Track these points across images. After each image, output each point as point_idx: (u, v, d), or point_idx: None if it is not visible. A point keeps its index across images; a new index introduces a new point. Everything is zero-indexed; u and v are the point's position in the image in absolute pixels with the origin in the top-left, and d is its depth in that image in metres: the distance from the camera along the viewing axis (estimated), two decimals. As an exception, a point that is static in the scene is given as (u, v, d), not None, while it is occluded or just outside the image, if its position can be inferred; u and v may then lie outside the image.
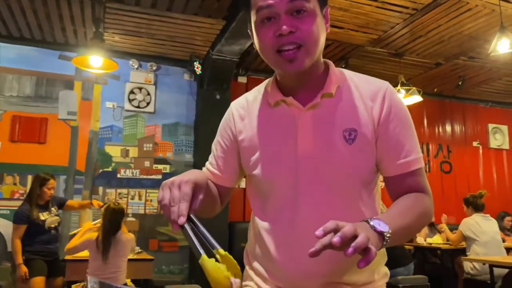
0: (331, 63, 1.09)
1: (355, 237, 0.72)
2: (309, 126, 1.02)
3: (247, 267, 1.16)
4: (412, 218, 0.95)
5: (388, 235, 0.81)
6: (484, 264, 4.28)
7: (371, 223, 0.82)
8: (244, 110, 1.13)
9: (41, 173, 4.07)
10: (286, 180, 1.03)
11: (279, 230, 1.04)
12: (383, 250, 1.12)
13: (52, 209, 4.03)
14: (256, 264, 1.12)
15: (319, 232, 0.73)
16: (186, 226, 0.80)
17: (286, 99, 1.04)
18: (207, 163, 1.18)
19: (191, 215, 0.83)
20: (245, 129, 1.10)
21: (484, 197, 4.88)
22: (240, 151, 1.11)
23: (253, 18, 1.00)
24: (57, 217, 4.00)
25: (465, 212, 4.96)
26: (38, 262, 3.77)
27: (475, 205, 4.84)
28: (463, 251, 4.87)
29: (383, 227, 0.82)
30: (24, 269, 3.68)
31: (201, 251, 0.77)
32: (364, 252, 0.73)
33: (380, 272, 1.11)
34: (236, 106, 1.15)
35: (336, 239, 0.71)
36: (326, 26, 1.03)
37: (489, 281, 4.08)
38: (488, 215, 4.87)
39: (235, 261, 0.78)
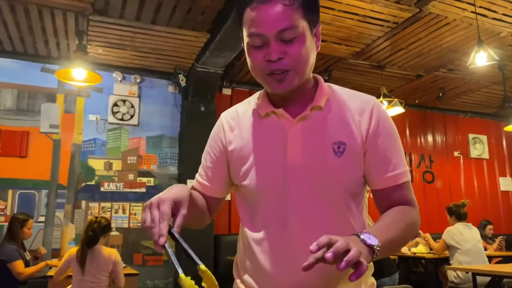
0: (320, 78, 1.12)
1: (347, 251, 0.74)
2: (298, 138, 1.04)
3: (237, 280, 1.16)
4: (399, 231, 0.97)
5: (377, 248, 0.83)
6: (467, 272, 4.34)
7: (362, 236, 0.83)
8: (234, 121, 1.14)
9: (18, 214, 4.10)
10: (275, 191, 1.04)
11: (269, 241, 1.05)
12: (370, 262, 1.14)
13: (27, 252, 4.11)
14: (246, 277, 1.12)
15: (313, 247, 0.75)
16: (167, 245, 0.82)
17: (276, 110, 1.06)
18: (197, 174, 1.19)
19: (174, 232, 0.85)
20: (235, 139, 1.11)
21: (466, 207, 4.97)
22: (230, 161, 1.12)
23: (245, 38, 1.02)
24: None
25: (448, 220, 5.03)
26: None
27: (458, 214, 4.92)
28: (446, 260, 4.93)
29: (373, 240, 0.84)
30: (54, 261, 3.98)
31: (179, 270, 0.80)
32: (356, 266, 0.74)
33: (367, 283, 1.12)
34: (226, 117, 1.16)
35: (329, 254, 0.73)
36: (317, 44, 1.05)
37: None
38: (470, 224, 4.95)
39: (213, 277, 0.82)
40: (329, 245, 0.74)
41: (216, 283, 0.83)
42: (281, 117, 1.06)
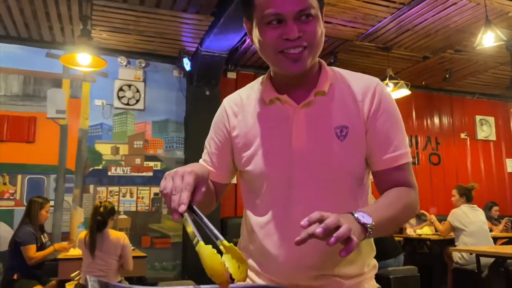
0: (323, 62, 1.12)
1: (338, 227, 0.76)
2: (303, 124, 1.05)
3: None
4: (396, 211, 0.98)
5: (371, 227, 0.85)
6: (471, 254, 4.36)
7: (356, 215, 0.85)
8: (238, 107, 1.14)
9: (36, 197, 4.17)
10: (280, 176, 1.05)
11: (272, 225, 1.07)
12: (372, 244, 1.15)
13: (45, 234, 4.20)
14: (249, 260, 1.14)
15: (304, 222, 0.77)
16: (186, 215, 0.80)
17: (280, 97, 1.07)
18: (200, 160, 1.19)
19: (194, 206, 0.84)
20: (239, 125, 1.12)
21: (474, 190, 4.99)
22: (234, 147, 1.13)
23: (256, 17, 1.01)
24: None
25: (454, 200, 5.02)
26: (31, 282, 3.79)
27: (468, 196, 4.93)
28: (452, 242, 4.95)
29: (366, 219, 0.85)
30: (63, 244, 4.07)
31: (199, 238, 0.77)
32: (346, 242, 0.76)
33: (369, 264, 1.13)
34: (230, 102, 1.17)
35: (319, 229, 0.74)
36: (323, 26, 1.05)
37: (476, 270, 4.17)
38: (475, 205, 4.96)
39: (240, 252, 0.78)
40: (320, 221, 0.76)
41: (244, 258, 0.79)
42: (285, 104, 1.07)
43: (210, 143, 1.17)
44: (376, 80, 1.09)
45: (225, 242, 0.78)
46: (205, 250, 0.75)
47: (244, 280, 0.77)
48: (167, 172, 0.88)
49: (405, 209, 1.02)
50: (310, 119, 1.05)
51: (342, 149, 1.03)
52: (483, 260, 4.05)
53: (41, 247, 3.94)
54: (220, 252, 0.77)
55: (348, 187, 1.06)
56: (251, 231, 1.12)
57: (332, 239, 0.74)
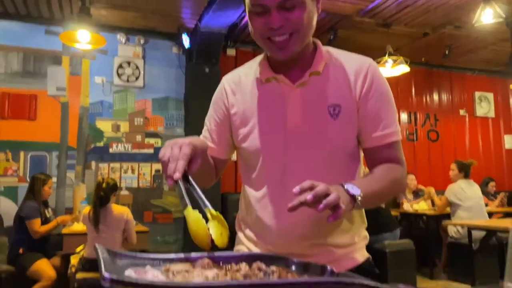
0: (319, 42, 1.16)
1: (327, 195, 0.82)
2: (297, 103, 1.10)
3: (239, 234, 1.25)
4: (384, 185, 1.05)
5: (359, 198, 0.91)
6: (462, 227, 4.47)
7: (345, 186, 0.92)
8: (236, 85, 1.19)
9: (38, 174, 4.25)
10: (275, 152, 1.11)
11: (268, 199, 1.13)
12: (363, 216, 1.22)
13: (49, 209, 4.29)
14: (247, 231, 1.21)
15: (296, 189, 0.83)
16: (180, 182, 0.85)
17: (277, 76, 1.11)
18: (200, 136, 1.23)
19: (189, 177, 0.89)
20: (237, 103, 1.17)
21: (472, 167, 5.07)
22: (232, 124, 1.18)
23: (246, 4, 1.05)
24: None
25: (452, 175, 5.10)
26: (36, 254, 3.89)
27: (466, 172, 5.01)
28: (447, 217, 5.06)
29: (355, 190, 0.92)
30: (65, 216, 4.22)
31: (188, 203, 0.83)
32: (334, 210, 0.83)
33: (360, 235, 1.20)
34: (228, 81, 1.21)
35: (309, 196, 0.81)
36: (318, 7, 1.08)
37: (477, 244, 4.27)
38: (472, 180, 5.04)
39: (226, 222, 0.83)
40: (311, 189, 0.82)
41: (227, 227, 0.84)
42: (281, 83, 1.11)
43: (210, 120, 1.22)
44: (369, 60, 1.13)
45: (212, 210, 0.84)
46: (191, 215, 0.81)
47: (225, 246, 0.83)
48: (168, 141, 0.94)
49: (393, 184, 1.08)
50: (305, 98, 1.09)
51: (335, 127, 1.08)
52: (477, 234, 4.15)
53: (45, 221, 4.04)
54: (206, 220, 0.83)
55: (341, 162, 1.11)
56: (248, 205, 1.18)
57: (321, 206, 0.81)
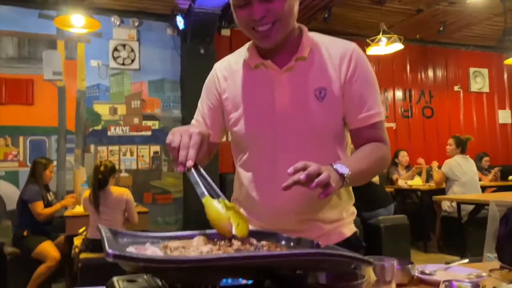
0: (304, 28, 1.21)
1: (319, 174, 0.89)
2: (285, 87, 1.16)
3: None
4: (370, 163, 1.12)
5: (347, 176, 0.99)
6: (452, 201, 4.58)
7: (334, 166, 0.99)
8: (227, 71, 1.25)
9: (39, 158, 4.31)
10: (265, 135, 1.17)
11: (260, 180, 1.20)
12: (351, 192, 1.29)
13: (51, 192, 4.37)
14: (241, 210, 1.28)
15: (290, 170, 0.90)
16: (193, 171, 0.90)
17: (265, 62, 1.17)
18: (193, 121, 1.30)
19: (198, 165, 0.94)
20: (229, 88, 1.23)
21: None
22: (224, 109, 1.25)
23: None
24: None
25: (449, 149, 5.17)
26: (40, 237, 3.99)
27: (463, 148, 5.09)
28: (441, 192, 5.16)
29: (344, 169, 0.99)
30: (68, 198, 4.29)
31: (205, 192, 0.88)
32: (325, 187, 0.90)
33: (348, 211, 1.28)
34: (220, 67, 1.28)
35: (302, 176, 0.88)
36: None
37: (458, 217, 4.40)
38: (468, 156, 5.12)
39: (239, 210, 0.88)
40: (304, 169, 0.89)
41: (245, 217, 0.87)
42: (269, 68, 1.17)
43: (203, 104, 1.28)
44: (352, 45, 1.19)
45: (227, 201, 0.88)
46: (211, 204, 0.86)
47: (246, 236, 0.87)
48: (175, 128, 0.99)
49: (378, 161, 1.16)
50: (292, 82, 1.16)
51: (321, 108, 1.14)
52: (469, 208, 4.26)
53: (47, 205, 4.13)
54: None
55: (328, 143, 1.18)
56: (241, 185, 1.26)
57: (313, 184, 0.88)
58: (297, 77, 1.16)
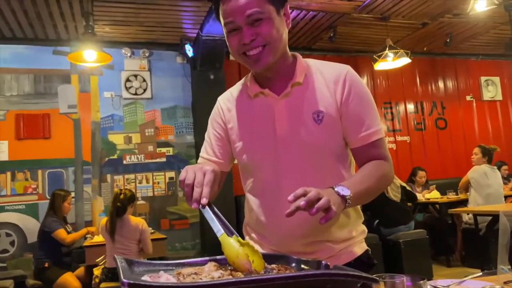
0: (298, 55, 1.27)
1: (319, 200, 0.92)
2: (284, 112, 1.20)
3: (246, 237, 1.36)
4: (372, 182, 1.14)
5: (349, 198, 1.01)
6: (468, 214, 4.48)
7: (336, 189, 1.01)
8: (230, 103, 1.31)
9: (58, 190, 4.44)
10: (268, 161, 1.21)
11: (266, 204, 1.24)
12: (359, 211, 1.31)
13: (68, 224, 4.48)
14: (252, 234, 1.32)
15: (290, 197, 0.93)
16: (208, 208, 0.94)
17: (263, 91, 1.23)
18: (202, 154, 1.33)
19: (211, 203, 0.97)
20: (232, 119, 1.29)
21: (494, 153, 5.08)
22: (229, 138, 1.29)
23: (223, 27, 1.18)
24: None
25: (475, 159, 5.08)
26: (61, 268, 4.07)
27: (490, 157, 5.01)
28: (459, 204, 5.08)
29: (345, 191, 1.01)
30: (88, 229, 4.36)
31: (222, 229, 0.91)
32: (327, 212, 0.92)
33: (358, 229, 1.29)
34: (223, 99, 1.34)
35: (302, 203, 0.90)
36: (287, 22, 1.20)
37: (483, 229, 4.31)
38: (495, 167, 5.03)
39: (253, 246, 0.90)
40: (304, 195, 0.92)
41: (260, 254, 0.89)
42: (267, 96, 1.22)
43: (211, 137, 1.33)
44: (346, 68, 1.23)
45: (240, 238, 0.91)
46: (228, 241, 0.89)
47: (263, 270, 0.89)
48: (188, 166, 1.02)
49: (380, 179, 1.18)
50: (290, 108, 1.20)
51: (320, 131, 1.18)
52: (488, 218, 4.18)
53: None
54: None
55: (330, 163, 1.21)
56: (251, 209, 1.29)
57: (313, 210, 0.90)
58: (295, 102, 1.20)
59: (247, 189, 1.31)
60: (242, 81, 1.33)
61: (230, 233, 0.93)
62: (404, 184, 4.71)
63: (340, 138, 1.21)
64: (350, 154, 1.27)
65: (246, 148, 1.24)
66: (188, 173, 0.98)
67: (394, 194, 4.42)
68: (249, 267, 0.87)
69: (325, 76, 1.21)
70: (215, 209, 0.97)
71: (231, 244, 0.89)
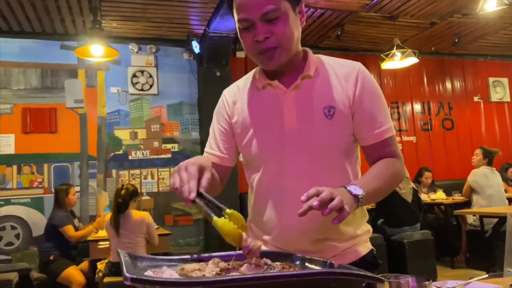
0: (309, 50, 1.25)
1: (331, 200, 0.91)
2: (292, 105, 1.18)
3: (250, 235, 1.34)
4: (384, 180, 1.13)
5: (362, 197, 1.00)
6: (474, 215, 4.46)
7: (348, 188, 1.00)
8: (236, 96, 1.28)
9: (59, 185, 4.45)
10: (275, 154, 1.19)
11: (272, 199, 1.22)
12: (364, 209, 1.29)
13: (76, 219, 4.51)
14: (257, 231, 1.30)
15: (303, 197, 0.92)
16: (197, 200, 0.91)
17: (272, 82, 1.20)
18: (207, 149, 1.31)
19: (201, 192, 0.95)
20: (237, 112, 1.26)
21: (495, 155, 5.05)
22: (234, 132, 1.27)
23: (236, 23, 1.15)
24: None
25: (475, 160, 5.07)
26: (66, 261, 4.08)
27: (490, 160, 5.00)
28: (465, 205, 5.05)
29: (358, 191, 1.00)
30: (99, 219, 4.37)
31: (212, 215, 0.90)
32: (339, 212, 0.92)
33: (362, 229, 1.28)
34: (229, 92, 1.31)
35: (315, 203, 0.90)
36: (302, 20, 1.17)
37: (484, 231, 4.29)
38: (494, 168, 5.02)
39: (240, 215, 0.89)
40: (317, 195, 0.91)
41: (243, 219, 0.89)
42: (276, 88, 1.20)
43: (215, 131, 1.30)
44: (358, 65, 1.22)
45: (227, 210, 0.90)
46: (218, 221, 0.88)
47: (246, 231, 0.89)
48: (173, 169, 1.00)
49: (392, 177, 1.17)
50: (299, 101, 1.18)
51: (330, 127, 1.16)
52: (494, 221, 4.15)
53: (75, 230, 4.23)
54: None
55: (339, 161, 1.19)
56: (255, 206, 1.28)
57: (326, 210, 0.90)
58: (304, 95, 1.18)
59: (251, 185, 1.29)
60: (250, 74, 1.30)
61: (220, 211, 0.91)
62: (416, 188, 4.70)
63: (349, 134, 1.19)
64: (357, 150, 1.25)
65: (252, 141, 1.22)
66: (174, 177, 0.96)
67: (406, 195, 4.40)
68: (242, 236, 0.86)
69: (337, 72, 1.20)
70: (206, 195, 0.94)
71: (220, 222, 0.87)
